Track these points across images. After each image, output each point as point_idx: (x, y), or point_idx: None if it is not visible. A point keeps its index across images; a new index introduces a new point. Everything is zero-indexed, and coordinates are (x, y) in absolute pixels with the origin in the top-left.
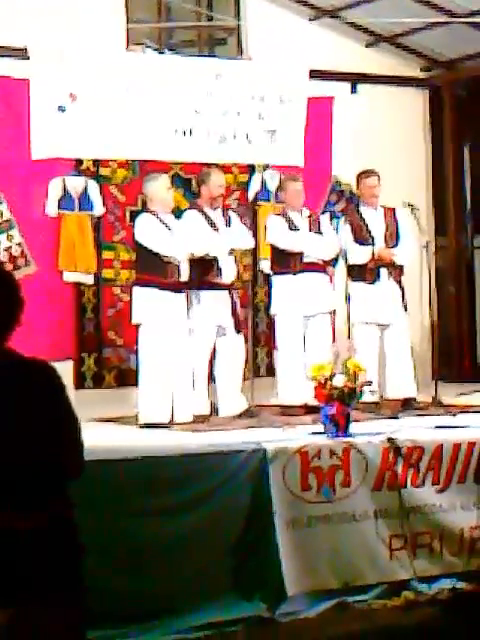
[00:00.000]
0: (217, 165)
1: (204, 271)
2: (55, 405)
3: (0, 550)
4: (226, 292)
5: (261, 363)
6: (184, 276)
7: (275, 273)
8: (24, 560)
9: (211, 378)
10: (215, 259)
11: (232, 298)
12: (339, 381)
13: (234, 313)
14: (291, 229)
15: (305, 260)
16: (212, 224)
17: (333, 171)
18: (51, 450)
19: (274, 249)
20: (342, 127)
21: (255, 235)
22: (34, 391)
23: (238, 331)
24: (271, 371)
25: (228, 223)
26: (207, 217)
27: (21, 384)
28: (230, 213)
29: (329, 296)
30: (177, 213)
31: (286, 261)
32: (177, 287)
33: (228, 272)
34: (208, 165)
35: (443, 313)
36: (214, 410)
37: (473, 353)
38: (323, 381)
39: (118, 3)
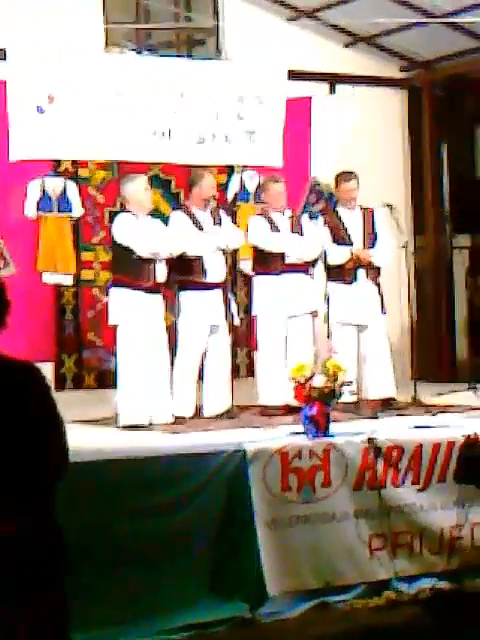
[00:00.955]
0: (200, 166)
1: (186, 271)
2: (40, 406)
3: None
4: (218, 291)
5: (241, 363)
6: (161, 277)
7: (257, 273)
8: (8, 563)
9: (200, 377)
10: (200, 259)
11: (226, 297)
12: (319, 381)
13: (228, 312)
14: (273, 230)
15: (287, 261)
16: (198, 224)
17: (312, 171)
18: (36, 452)
19: (256, 250)
20: (321, 127)
21: None
22: (19, 392)
23: (230, 331)
24: (251, 371)
25: (218, 222)
26: (193, 218)
27: (5, 385)
28: (221, 212)
29: (311, 296)
30: (164, 216)
31: (268, 262)
32: (153, 288)
33: (215, 271)
34: (187, 166)
35: (422, 313)
36: (199, 410)
37: (452, 353)
38: (303, 381)
39: (96, 4)
